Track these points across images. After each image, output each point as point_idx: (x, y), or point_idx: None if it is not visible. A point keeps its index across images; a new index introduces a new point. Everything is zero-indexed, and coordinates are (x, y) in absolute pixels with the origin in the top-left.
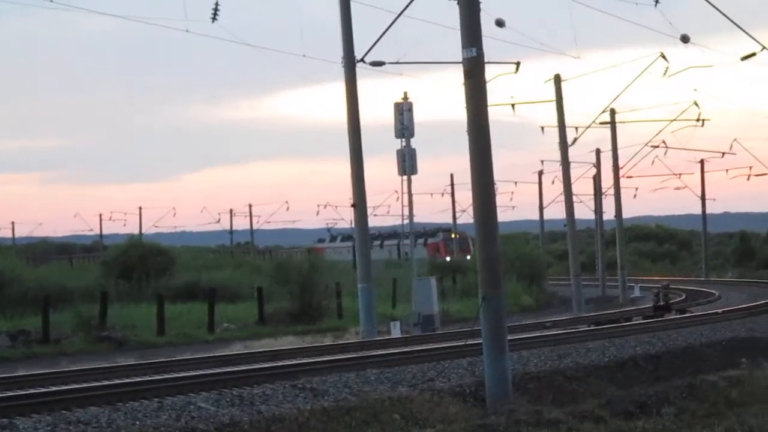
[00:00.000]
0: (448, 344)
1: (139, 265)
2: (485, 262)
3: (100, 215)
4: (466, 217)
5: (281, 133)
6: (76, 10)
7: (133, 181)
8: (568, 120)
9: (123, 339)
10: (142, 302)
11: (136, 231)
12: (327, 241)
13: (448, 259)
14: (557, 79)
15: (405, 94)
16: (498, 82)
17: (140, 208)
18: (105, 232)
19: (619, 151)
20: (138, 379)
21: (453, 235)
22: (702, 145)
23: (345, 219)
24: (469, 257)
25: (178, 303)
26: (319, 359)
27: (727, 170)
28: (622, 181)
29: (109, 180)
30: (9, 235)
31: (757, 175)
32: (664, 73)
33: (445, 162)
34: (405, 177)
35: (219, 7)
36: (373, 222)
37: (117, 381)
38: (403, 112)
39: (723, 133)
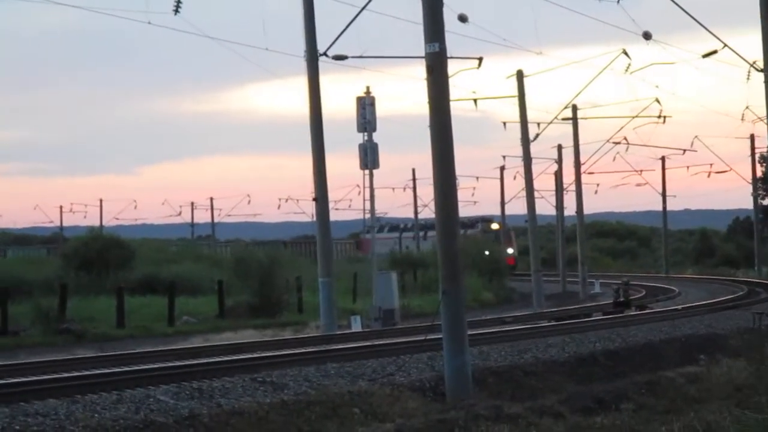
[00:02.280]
0: (409, 339)
1: (99, 258)
2: (445, 257)
3: (61, 207)
4: (428, 212)
5: (243, 126)
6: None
7: (94, 173)
8: (530, 116)
9: (82, 331)
10: (102, 295)
11: (96, 223)
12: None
13: (487, 253)
14: (519, 75)
15: (367, 88)
16: (460, 77)
17: (101, 201)
18: (65, 224)
19: (581, 148)
20: (97, 372)
21: (493, 227)
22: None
23: (306, 213)
24: (510, 251)
25: (138, 296)
26: (279, 353)
27: (687, 167)
28: (584, 178)
29: (70, 172)
30: None
31: (717, 172)
32: (626, 70)
33: (408, 157)
34: (367, 171)
35: (182, 0)
36: (334, 216)
37: (76, 373)
38: (366, 106)
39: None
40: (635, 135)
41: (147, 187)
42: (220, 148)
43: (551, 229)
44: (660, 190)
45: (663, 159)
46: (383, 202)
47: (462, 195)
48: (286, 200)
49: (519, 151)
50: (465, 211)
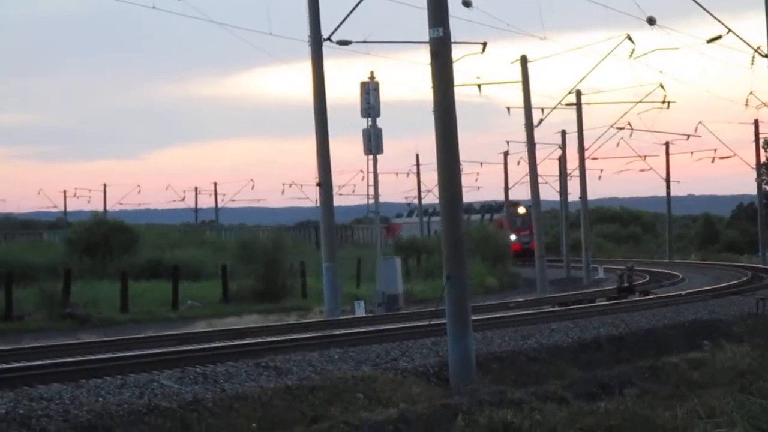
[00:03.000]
0: (412, 324)
1: (103, 243)
2: (450, 242)
3: (65, 192)
4: (432, 197)
5: (247, 111)
6: None
7: (98, 158)
8: (534, 101)
9: (86, 316)
10: (106, 279)
11: (100, 208)
12: (404, 216)
13: (512, 238)
14: (523, 60)
15: (371, 73)
16: (464, 62)
17: (105, 185)
18: (69, 208)
19: (585, 133)
20: (101, 356)
21: (519, 211)
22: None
23: (310, 198)
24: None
25: (141, 280)
26: (282, 338)
27: (691, 153)
28: (588, 163)
29: (74, 157)
30: None
31: (721, 158)
32: (630, 55)
33: (411, 142)
34: (371, 156)
35: None
36: (337, 201)
37: (80, 358)
38: (369, 91)
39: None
40: (639, 120)
41: (151, 172)
42: (224, 133)
43: (555, 215)
44: (664, 175)
45: (667, 144)
46: (387, 187)
47: (466, 180)
48: (290, 185)
49: (523, 136)
50: (469, 196)
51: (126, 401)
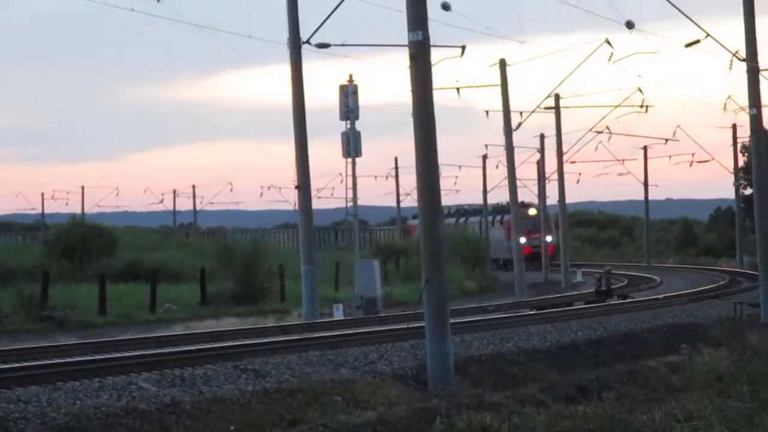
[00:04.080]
0: (391, 327)
1: (81, 245)
2: (428, 246)
3: (42, 194)
4: (410, 201)
5: (226, 114)
6: None
7: (76, 161)
8: (513, 105)
9: (64, 319)
10: (84, 282)
11: (78, 210)
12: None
13: (522, 241)
14: (502, 64)
15: (350, 76)
16: (443, 65)
17: (83, 188)
18: (47, 211)
19: (563, 137)
20: (79, 359)
21: (530, 213)
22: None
23: (289, 201)
24: (550, 238)
25: (120, 283)
26: (261, 341)
27: (670, 157)
28: (566, 167)
29: (53, 159)
30: None
31: (699, 162)
32: (609, 59)
33: (390, 145)
34: (349, 159)
35: None
36: (316, 204)
37: (57, 360)
38: (348, 94)
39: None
40: (617, 124)
41: (129, 174)
42: (202, 136)
43: None
44: (642, 179)
45: (645, 148)
46: (366, 190)
47: (444, 184)
48: (269, 188)
49: (502, 140)
50: (448, 199)
51: (104, 404)
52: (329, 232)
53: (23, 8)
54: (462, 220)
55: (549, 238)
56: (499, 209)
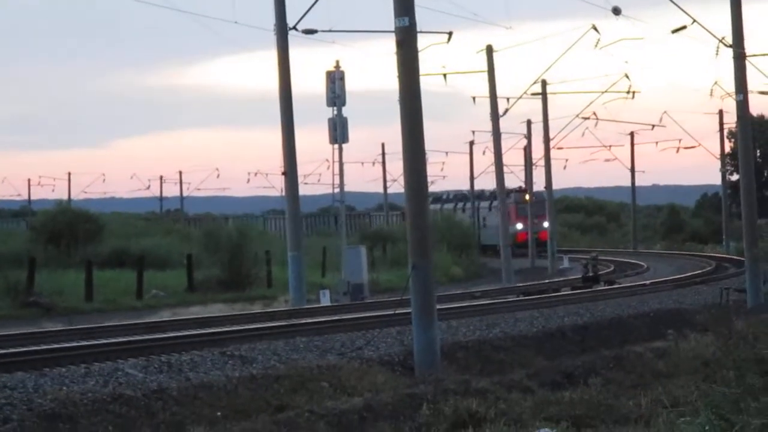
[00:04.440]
0: (378, 313)
1: (67, 231)
2: (415, 232)
3: (29, 180)
4: (397, 187)
5: (212, 100)
6: None
7: (62, 147)
8: (500, 91)
9: (50, 305)
10: (71, 268)
11: (65, 197)
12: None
13: (519, 227)
14: (489, 50)
15: (337, 62)
16: (430, 51)
17: (69, 174)
18: (33, 197)
19: (550, 123)
20: (65, 345)
21: (527, 198)
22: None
23: (275, 187)
24: (546, 224)
25: (106, 270)
26: (248, 327)
27: (656, 143)
28: (553, 153)
29: (38, 146)
30: None
31: (686, 148)
32: (596, 45)
33: (377, 131)
34: (336, 146)
35: None
36: (303, 190)
37: (44, 346)
38: (335, 80)
39: (653, 106)
40: (604, 110)
41: (116, 160)
42: (189, 122)
43: None
44: (629, 165)
45: (632, 134)
46: (353, 176)
47: (431, 170)
48: (255, 174)
49: (488, 126)
50: (435, 186)
51: (90, 390)
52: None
53: None
54: (460, 205)
55: (545, 224)
56: (489, 195)
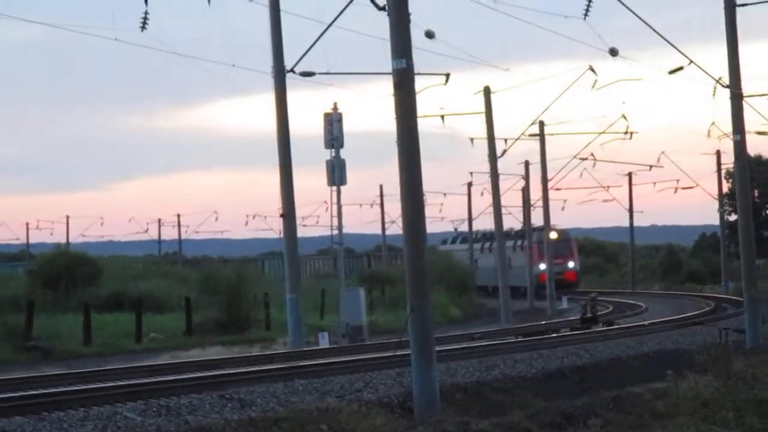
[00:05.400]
0: (377, 355)
1: (65, 275)
2: (413, 273)
3: (27, 224)
4: (396, 228)
5: (210, 143)
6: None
7: (60, 191)
8: (498, 132)
9: (49, 349)
10: (69, 312)
11: (63, 240)
12: (449, 242)
13: (542, 267)
14: (487, 91)
15: (335, 104)
16: (428, 93)
17: (67, 217)
18: (32, 241)
19: (548, 164)
20: (64, 389)
21: (551, 236)
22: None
23: (274, 229)
24: (572, 264)
25: (105, 313)
26: (246, 369)
27: (654, 183)
28: (551, 193)
29: (36, 189)
30: None
31: (684, 188)
32: (593, 86)
33: (375, 173)
34: (334, 187)
35: (148, 16)
36: (301, 232)
37: (42, 390)
38: (333, 122)
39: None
40: (602, 151)
41: (114, 203)
42: (187, 165)
43: None
44: (627, 205)
45: (630, 175)
46: (351, 218)
47: (429, 211)
48: (254, 217)
49: (486, 167)
50: (433, 227)
51: None
52: (362, 259)
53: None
54: (486, 245)
55: (571, 264)
56: (521, 234)
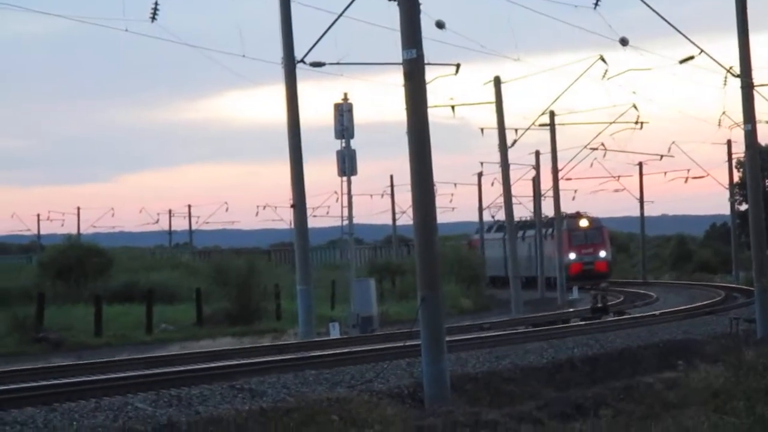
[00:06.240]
0: (387, 345)
1: (76, 266)
2: (424, 263)
3: (38, 215)
4: (406, 219)
5: (221, 134)
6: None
7: (71, 182)
8: (508, 122)
9: (60, 340)
10: (80, 303)
11: (74, 231)
12: (486, 230)
13: (571, 257)
14: (497, 81)
15: (345, 95)
16: (438, 83)
17: (78, 209)
18: (43, 232)
19: (559, 153)
20: (75, 380)
21: (580, 224)
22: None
23: (284, 220)
24: (603, 254)
25: (115, 304)
26: (257, 360)
27: (665, 173)
28: (561, 183)
29: (48, 181)
30: None
31: (694, 178)
32: (603, 76)
33: (385, 163)
34: (345, 178)
35: (158, 7)
36: (312, 223)
37: (54, 381)
38: (343, 112)
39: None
40: (612, 141)
41: (125, 195)
42: (198, 156)
43: None
44: (637, 195)
45: (640, 165)
46: (361, 208)
47: (440, 201)
48: (264, 207)
49: (497, 157)
50: (443, 217)
51: (100, 425)
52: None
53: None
54: (521, 234)
55: (602, 254)
56: (551, 222)
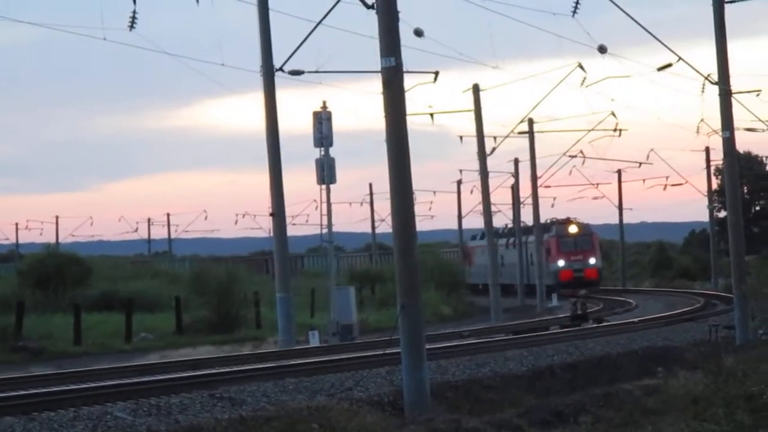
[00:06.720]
0: (367, 353)
1: (55, 275)
2: (403, 271)
3: (16, 224)
4: (385, 227)
5: (200, 142)
6: None
7: (50, 191)
8: (487, 130)
9: (39, 349)
10: (59, 312)
11: (52, 240)
12: (478, 238)
13: (560, 264)
14: (476, 89)
15: (324, 103)
16: (417, 91)
17: (57, 217)
18: (21, 241)
19: (538, 161)
20: (54, 389)
21: (569, 230)
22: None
23: (263, 228)
24: (593, 261)
25: (95, 313)
26: (237, 368)
27: (644, 180)
28: (540, 191)
29: (26, 190)
30: None
31: (673, 185)
32: (582, 84)
33: (365, 171)
34: (324, 186)
35: (137, 16)
36: (291, 231)
37: (32, 391)
38: (322, 121)
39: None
40: (591, 148)
41: (103, 204)
42: (177, 165)
43: None
44: (616, 203)
45: (619, 172)
46: (340, 216)
47: (419, 209)
48: (243, 216)
49: (476, 165)
50: (423, 225)
51: None
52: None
53: None
54: (510, 240)
55: (592, 261)
56: (547, 226)
